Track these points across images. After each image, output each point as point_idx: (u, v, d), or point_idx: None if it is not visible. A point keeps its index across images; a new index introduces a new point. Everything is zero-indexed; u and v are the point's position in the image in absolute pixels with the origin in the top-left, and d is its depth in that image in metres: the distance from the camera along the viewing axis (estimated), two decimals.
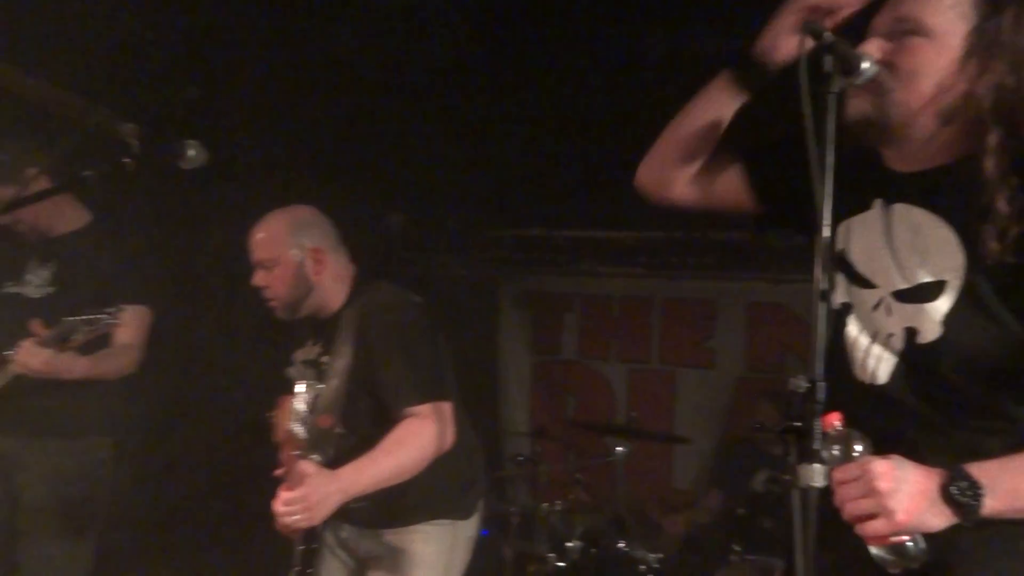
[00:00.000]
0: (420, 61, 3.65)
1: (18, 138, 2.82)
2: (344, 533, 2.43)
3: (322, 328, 2.37)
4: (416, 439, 2.11)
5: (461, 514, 2.39)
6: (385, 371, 2.21)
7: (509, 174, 4.48)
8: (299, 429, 2.10)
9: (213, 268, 4.12)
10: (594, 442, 5.15)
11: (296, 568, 2.17)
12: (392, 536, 2.33)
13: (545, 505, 4.07)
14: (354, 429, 2.24)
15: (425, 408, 2.15)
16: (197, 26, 3.46)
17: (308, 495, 1.97)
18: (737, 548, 3.74)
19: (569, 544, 3.99)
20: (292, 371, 2.44)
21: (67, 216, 2.89)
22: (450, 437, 2.17)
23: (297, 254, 2.30)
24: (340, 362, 2.21)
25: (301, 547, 2.21)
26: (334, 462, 2.15)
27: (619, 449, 3.92)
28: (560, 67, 3.72)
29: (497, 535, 4.15)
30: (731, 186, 1.63)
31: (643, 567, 3.81)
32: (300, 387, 2.14)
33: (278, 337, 2.73)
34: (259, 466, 2.81)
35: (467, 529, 2.41)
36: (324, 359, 2.31)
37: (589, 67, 3.73)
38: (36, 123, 3.11)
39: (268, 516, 2.52)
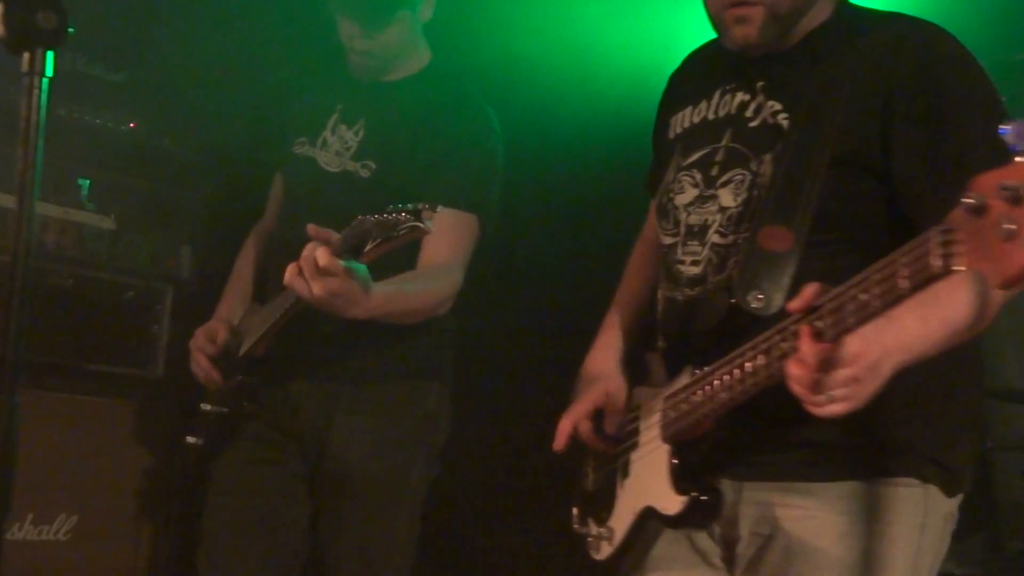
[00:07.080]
0: None
1: None
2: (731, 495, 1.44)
3: (762, 69, 1.47)
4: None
5: (943, 477, 1.42)
6: (949, 130, 1.32)
7: None
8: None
9: None
10: None
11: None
12: (825, 494, 1.38)
13: None
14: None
15: None
16: None
17: (860, 354, 1.14)
18: None
19: None
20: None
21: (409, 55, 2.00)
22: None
23: None
24: (810, 126, 1.36)
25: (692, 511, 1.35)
26: None
27: None
28: None
29: None
30: None
31: None
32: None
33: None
34: None
35: (944, 506, 1.44)
36: (771, 117, 1.43)
37: None
38: None
39: None
